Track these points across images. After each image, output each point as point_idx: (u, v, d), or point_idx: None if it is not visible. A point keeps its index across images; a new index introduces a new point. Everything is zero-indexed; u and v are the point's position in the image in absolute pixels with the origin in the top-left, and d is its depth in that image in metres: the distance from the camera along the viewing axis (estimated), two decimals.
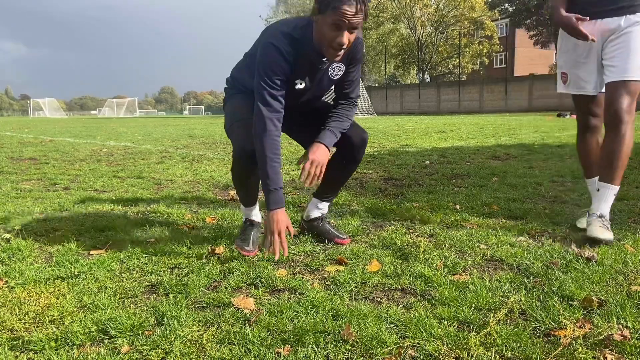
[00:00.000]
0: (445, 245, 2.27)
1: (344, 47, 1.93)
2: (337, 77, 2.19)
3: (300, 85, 2.12)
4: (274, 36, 2.00)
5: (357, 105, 2.28)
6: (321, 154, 2.10)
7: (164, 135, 11.96)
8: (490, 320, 1.48)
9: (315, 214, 2.44)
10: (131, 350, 1.36)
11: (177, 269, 2.03)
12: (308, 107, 2.31)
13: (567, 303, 1.60)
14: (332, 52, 1.95)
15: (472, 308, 1.58)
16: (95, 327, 1.48)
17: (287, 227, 2.03)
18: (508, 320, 1.50)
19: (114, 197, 3.60)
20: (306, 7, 40.50)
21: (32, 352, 1.36)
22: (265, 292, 1.78)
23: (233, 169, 2.21)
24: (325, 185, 2.41)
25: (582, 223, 2.49)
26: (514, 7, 35.88)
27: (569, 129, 10.68)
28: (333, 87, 2.28)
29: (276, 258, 1.99)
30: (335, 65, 2.13)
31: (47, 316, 1.57)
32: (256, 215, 2.37)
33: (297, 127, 2.35)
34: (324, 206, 2.47)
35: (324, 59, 2.05)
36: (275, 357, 1.32)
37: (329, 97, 2.38)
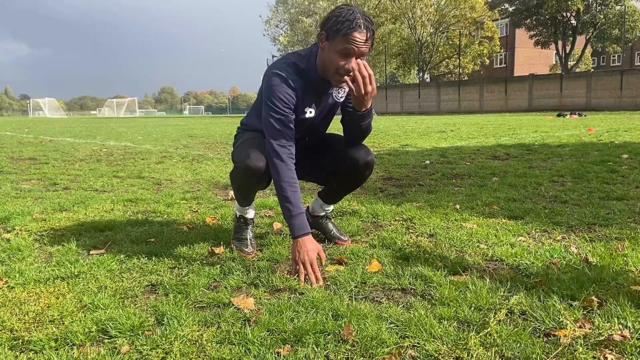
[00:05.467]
0: (445, 245, 2.27)
1: (350, 73, 1.91)
2: (342, 99, 2.16)
3: (310, 114, 2.10)
4: (278, 67, 2.00)
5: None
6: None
7: (164, 135, 11.96)
8: (491, 320, 1.48)
9: (320, 212, 2.45)
10: (131, 350, 1.36)
11: (177, 269, 2.03)
12: (317, 136, 2.29)
13: (567, 303, 1.60)
14: (337, 78, 1.94)
15: (472, 308, 1.58)
16: (95, 327, 1.48)
17: (317, 254, 1.94)
18: (508, 320, 1.50)
19: (114, 197, 3.59)
20: (305, 7, 40.36)
21: (32, 352, 1.36)
22: (265, 292, 1.78)
23: (232, 176, 2.17)
24: (331, 192, 2.42)
25: None
26: (514, 7, 35.85)
27: (569, 129, 10.68)
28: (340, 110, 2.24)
29: (314, 286, 1.81)
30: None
31: (47, 316, 1.57)
32: (250, 212, 2.34)
33: (309, 167, 2.29)
34: (329, 207, 2.47)
35: (330, 87, 2.05)
36: (275, 357, 1.32)
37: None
